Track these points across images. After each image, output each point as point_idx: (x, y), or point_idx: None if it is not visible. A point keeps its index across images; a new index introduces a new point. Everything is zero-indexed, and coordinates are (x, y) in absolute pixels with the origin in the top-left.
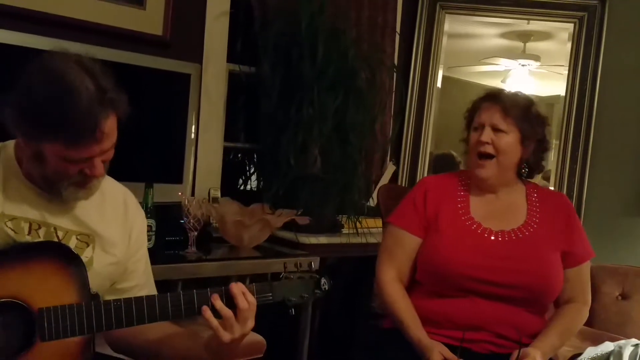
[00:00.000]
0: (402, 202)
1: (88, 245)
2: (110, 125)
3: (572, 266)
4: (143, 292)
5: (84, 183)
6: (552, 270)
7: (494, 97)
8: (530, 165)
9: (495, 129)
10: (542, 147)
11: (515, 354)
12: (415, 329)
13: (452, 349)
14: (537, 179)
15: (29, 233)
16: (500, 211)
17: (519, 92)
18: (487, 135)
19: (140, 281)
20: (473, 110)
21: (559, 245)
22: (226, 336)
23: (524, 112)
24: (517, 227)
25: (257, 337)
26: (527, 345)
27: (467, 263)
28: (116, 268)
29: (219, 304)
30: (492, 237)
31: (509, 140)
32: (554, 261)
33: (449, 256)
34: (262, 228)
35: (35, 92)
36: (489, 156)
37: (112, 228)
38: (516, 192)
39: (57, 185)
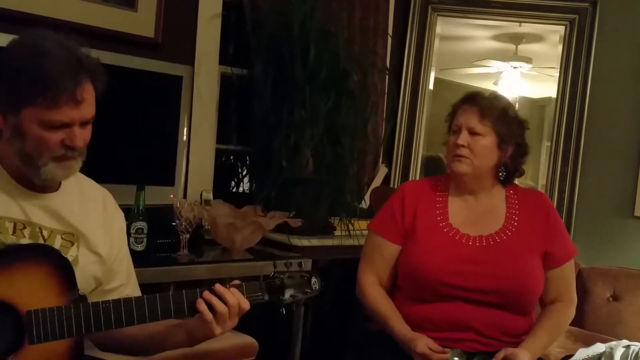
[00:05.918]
0: (382, 209)
1: (73, 244)
2: (88, 91)
3: (554, 267)
4: (127, 291)
5: (65, 158)
6: (529, 274)
7: (472, 99)
8: (508, 170)
9: (472, 132)
10: (521, 150)
11: (499, 355)
12: (399, 324)
13: None
14: (526, 180)
15: (14, 233)
16: (479, 216)
17: (498, 94)
18: (464, 138)
19: (124, 280)
20: (453, 113)
21: (539, 247)
22: (218, 330)
23: (502, 114)
24: (494, 231)
25: (249, 340)
26: (512, 344)
27: (444, 270)
28: (101, 267)
29: (214, 300)
30: (470, 243)
31: (485, 143)
32: (532, 264)
33: (426, 264)
34: (254, 230)
35: (10, 58)
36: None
37: (95, 227)
38: (495, 195)
39: (37, 162)
